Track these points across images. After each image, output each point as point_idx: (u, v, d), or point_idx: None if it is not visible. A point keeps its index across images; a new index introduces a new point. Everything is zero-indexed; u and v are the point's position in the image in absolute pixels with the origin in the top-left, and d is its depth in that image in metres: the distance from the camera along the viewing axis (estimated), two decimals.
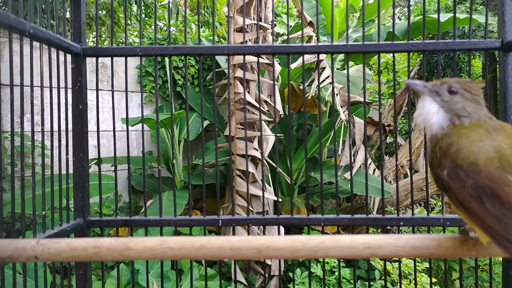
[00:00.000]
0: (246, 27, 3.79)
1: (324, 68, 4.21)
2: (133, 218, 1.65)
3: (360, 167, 4.49)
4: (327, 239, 0.89)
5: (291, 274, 2.50)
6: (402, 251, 0.87)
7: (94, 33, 5.99)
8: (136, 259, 0.87)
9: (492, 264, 3.18)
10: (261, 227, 3.69)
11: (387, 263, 3.35)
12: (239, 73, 3.75)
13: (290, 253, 0.88)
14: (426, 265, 3.24)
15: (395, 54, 1.73)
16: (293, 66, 4.10)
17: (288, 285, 3.92)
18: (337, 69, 5.81)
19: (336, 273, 3.48)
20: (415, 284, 1.69)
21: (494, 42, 1.53)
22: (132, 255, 0.85)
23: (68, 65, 1.52)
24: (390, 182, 5.31)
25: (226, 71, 4.69)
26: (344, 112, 4.46)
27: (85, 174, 1.60)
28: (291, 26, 6.18)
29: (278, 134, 3.81)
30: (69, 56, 1.54)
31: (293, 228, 4.32)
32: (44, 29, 1.30)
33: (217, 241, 0.87)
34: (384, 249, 0.87)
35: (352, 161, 4.52)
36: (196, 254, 0.86)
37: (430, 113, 0.80)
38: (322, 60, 4.10)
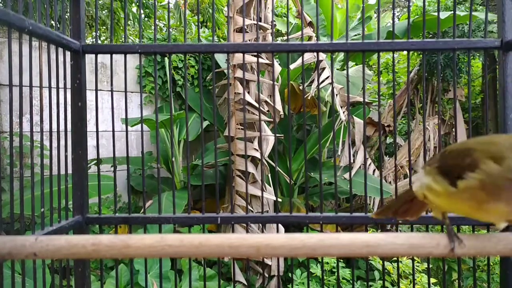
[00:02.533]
0: (246, 27, 3.79)
1: (324, 69, 4.21)
2: (131, 216, 1.65)
3: (360, 167, 4.50)
4: (326, 237, 0.89)
5: (291, 275, 2.52)
6: (400, 249, 0.87)
7: (94, 33, 5.99)
8: (135, 256, 0.87)
9: (491, 264, 3.19)
10: (261, 226, 3.70)
11: (388, 263, 3.35)
12: (239, 73, 3.76)
13: (289, 251, 0.88)
14: (427, 265, 3.24)
15: (395, 54, 1.73)
16: (292, 66, 4.11)
17: (288, 286, 3.92)
18: (337, 69, 5.81)
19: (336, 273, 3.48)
20: (414, 284, 1.69)
21: (494, 42, 1.53)
22: (131, 252, 0.85)
23: (67, 63, 1.52)
24: (390, 182, 5.31)
25: (226, 71, 4.70)
26: (344, 112, 4.46)
27: (84, 173, 1.60)
28: (291, 23, 6.20)
29: (277, 135, 3.81)
30: (68, 54, 1.54)
31: (292, 227, 4.32)
32: (44, 26, 1.30)
33: (216, 239, 0.87)
34: (383, 247, 0.87)
35: (352, 161, 4.52)
36: (195, 252, 0.86)
37: None
38: (322, 60, 4.10)
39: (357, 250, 0.87)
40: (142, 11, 5.90)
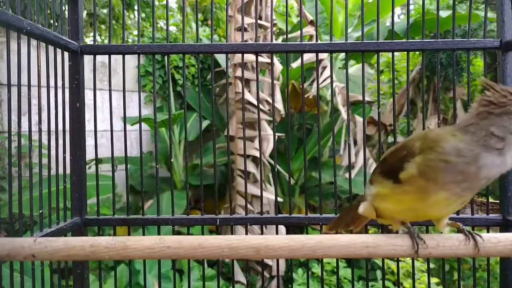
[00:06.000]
0: (247, 26, 3.78)
1: (325, 67, 4.20)
2: (130, 217, 1.64)
3: (361, 166, 4.48)
4: (326, 238, 0.89)
5: (291, 274, 2.50)
6: (400, 250, 0.87)
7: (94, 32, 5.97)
8: (134, 258, 0.87)
9: (492, 264, 3.18)
10: (262, 226, 3.69)
11: (392, 262, 3.34)
12: (240, 72, 3.75)
13: (288, 252, 0.87)
14: (431, 265, 3.23)
15: (398, 53, 1.72)
16: (295, 65, 4.10)
17: (289, 286, 3.91)
18: (339, 68, 5.79)
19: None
20: (413, 283, 1.68)
21: (493, 42, 1.52)
22: (130, 254, 0.85)
23: (65, 64, 1.52)
24: None
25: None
26: (345, 111, 4.45)
27: (82, 173, 1.60)
28: (292, 22, 6.18)
29: (278, 134, 3.79)
30: (66, 54, 1.54)
31: (293, 228, 4.31)
32: (42, 26, 1.30)
33: (215, 240, 0.87)
34: (382, 248, 0.87)
35: (354, 160, 4.51)
36: (194, 253, 0.86)
37: None
38: (323, 59, 4.09)
39: (356, 251, 0.87)
40: (141, 10, 5.89)
